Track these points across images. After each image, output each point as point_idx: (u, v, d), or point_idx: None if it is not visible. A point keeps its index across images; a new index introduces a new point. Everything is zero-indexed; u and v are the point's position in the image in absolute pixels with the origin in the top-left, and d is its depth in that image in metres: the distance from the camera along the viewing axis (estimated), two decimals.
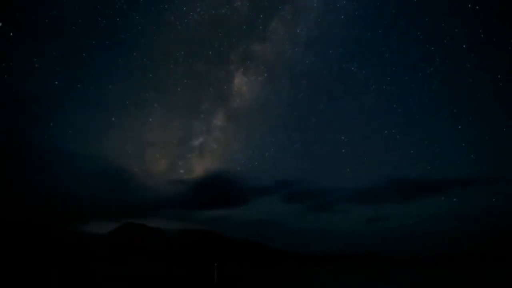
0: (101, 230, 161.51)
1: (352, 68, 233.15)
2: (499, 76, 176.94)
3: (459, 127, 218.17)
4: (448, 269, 56.75)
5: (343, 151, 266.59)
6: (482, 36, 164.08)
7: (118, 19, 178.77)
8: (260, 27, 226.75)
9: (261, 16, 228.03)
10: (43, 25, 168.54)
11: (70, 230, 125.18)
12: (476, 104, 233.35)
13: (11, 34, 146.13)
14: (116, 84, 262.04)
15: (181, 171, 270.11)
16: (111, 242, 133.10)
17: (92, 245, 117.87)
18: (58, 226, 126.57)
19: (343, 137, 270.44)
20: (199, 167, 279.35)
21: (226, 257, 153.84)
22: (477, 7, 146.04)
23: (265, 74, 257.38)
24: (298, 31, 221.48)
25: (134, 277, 40.91)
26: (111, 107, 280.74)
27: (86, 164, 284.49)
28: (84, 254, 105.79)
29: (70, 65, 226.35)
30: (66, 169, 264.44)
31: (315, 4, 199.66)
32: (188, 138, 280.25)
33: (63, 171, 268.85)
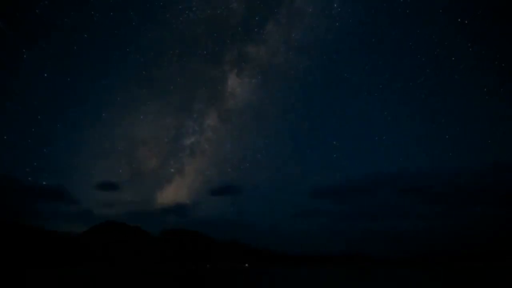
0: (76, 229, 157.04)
1: (345, 74, 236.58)
2: (485, 89, 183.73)
3: (447, 136, 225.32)
4: (446, 269, 56.71)
5: (335, 155, 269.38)
6: (470, 49, 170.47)
7: (112, 14, 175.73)
8: (256, 30, 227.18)
9: (257, 18, 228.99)
10: (34, 17, 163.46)
11: (46, 228, 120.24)
12: (464, 115, 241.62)
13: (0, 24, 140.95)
14: (108, 79, 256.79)
15: (172, 170, 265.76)
16: (90, 240, 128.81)
17: (70, 243, 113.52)
18: (34, 224, 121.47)
19: (334, 142, 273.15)
20: (189, 166, 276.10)
21: (208, 256, 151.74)
22: (466, 21, 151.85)
23: (259, 77, 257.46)
24: (293, 35, 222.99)
25: (120, 275, 38.75)
26: (101, 103, 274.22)
27: (74, 160, 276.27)
28: (68, 253, 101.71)
29: (60, 57, 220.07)
30: (57, 164, 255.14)
31: (310, 10, 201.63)
32: (180, 137, 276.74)
33: (51, 166, 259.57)
